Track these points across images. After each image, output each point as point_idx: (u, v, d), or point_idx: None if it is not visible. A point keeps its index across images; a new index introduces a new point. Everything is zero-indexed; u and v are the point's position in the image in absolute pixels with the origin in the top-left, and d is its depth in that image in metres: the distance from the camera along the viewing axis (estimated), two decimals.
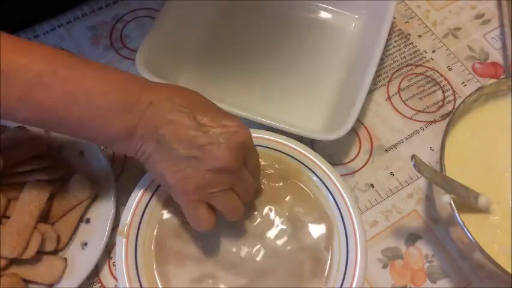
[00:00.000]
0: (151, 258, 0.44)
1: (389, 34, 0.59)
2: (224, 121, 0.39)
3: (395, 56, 0.59)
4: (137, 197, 0.44)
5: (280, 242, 0.45)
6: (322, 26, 0.60)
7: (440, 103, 0.56)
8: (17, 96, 0.36)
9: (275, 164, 0.47)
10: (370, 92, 0.57)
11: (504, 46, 0.60)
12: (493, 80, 0.58)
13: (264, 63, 0.57)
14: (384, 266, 0.48)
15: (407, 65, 0.59)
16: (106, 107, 0.37)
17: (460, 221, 0.41)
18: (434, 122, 0.55)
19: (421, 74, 0.58)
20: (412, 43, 0.60)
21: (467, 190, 0.43)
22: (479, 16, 0.62)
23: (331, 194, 0.45)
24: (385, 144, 0.54)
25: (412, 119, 0.55)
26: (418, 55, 0.59)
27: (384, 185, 0.52)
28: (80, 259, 0.45)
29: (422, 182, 0.52)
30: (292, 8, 0.60)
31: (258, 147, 0.47)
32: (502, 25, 0.61)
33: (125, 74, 0.40)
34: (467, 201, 0.43)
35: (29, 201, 0.44)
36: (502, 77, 0.58)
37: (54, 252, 0.45)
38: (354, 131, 0.54)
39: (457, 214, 0.41)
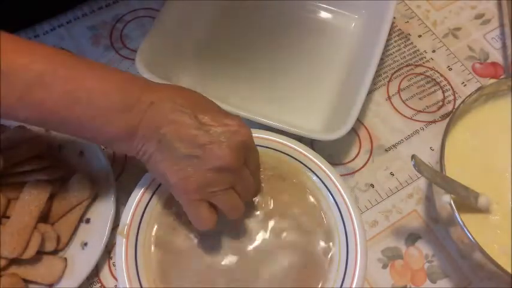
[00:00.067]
0: (152, 258, 0.44)
1: (390, 34, 0.59)
2: (225, 120, 0.39)
3: (395, 56, 0.59)
4: (137, 197, 0.44)
5: (279, 242, 0.44)
6: (322, 26, 0.60)
7: (440, 103, 0.56)
8: (17, 96, 0.36)
9: (275, 164, 0.47)
10: (370, 92, 0.57)
11: (504, 46, 0.60)
12: (493, 80, 0.58)
13: (264, 63, 0.57)
14: (384, 266, 0.48)
15: (407, 65, 0.59)
16: (107, 107, 0.37)
17: (460, 221, 0.41)
18: (434, 122, 0.55)
19: (421, 74, 0.58)
20: (412, 43, 0.60)
21: (467, 190, 0.43)
22: (479, 16, 0.62)
23: (331, 194, 0.45)
24: (385, 144, 0.54)
25: (412, 119, 0.55)
26: (418, 55, 0.59)
27: (384, 185, 0.52)
28: (80, 259, 0.45)
29: (422, 182, 0.52)
30: (292, 8, 0.60)
31: (258, 147, 0.47)
32: (502, 25, 0.61)
33: (126, 74, 0.40)
34: (467, 201, 0.43)
35: (29, 201, 0.44)
36: (502, 77, 0.58)
37: (54, 252, 0.45)
38: (354, 131, 0.54)
39: (457, 214, 0.41)
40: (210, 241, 0.44)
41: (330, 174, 0.45)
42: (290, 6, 0.60)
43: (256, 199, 0.46)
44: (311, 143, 0.52)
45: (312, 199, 0.46)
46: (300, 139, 0.48)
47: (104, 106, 0.37)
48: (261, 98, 0.55)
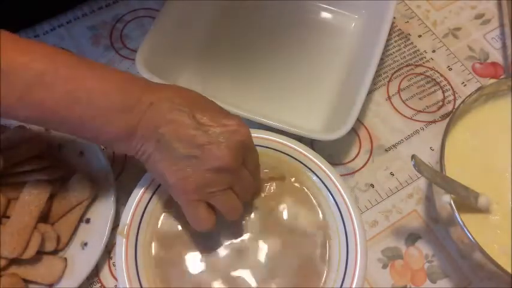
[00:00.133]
0: (152, 258, 0.44)
1: (390, 34, 0.59)
2: (224, 120, 0.39)
3: (395, 56, 0.59)
4: (137, 197, 0.44)
5: (279, 242, 0.44)
6: (322, 26, 0.60)
7: (440, 103, 0.56)
8: (18, 96, 0.36)
9: (275, 164, 0.47)
10: (370, 92, 0.57)
11: (504, 46, 0.60)
12: (493, 80, 0.58)
13: (264, 63, 0.57)
14: (384, 266, 0.48)
15: (407, 65, 0.59)
16: (107, 107, 0.37)
17: (460, 221, 0.41)
18: (434, 122, 0.55)
19: (421, 74, 0.58)
20: (412, 43, 0.60)
21: (467, 190, 0.43)
22: (479, 16, 0.62)
23: (331, 194, 0.45)
24: (385, 144, 0.54)
25: (412, 119, 0.55)
26: (418, 55, 0.59)
27: (384, 185, 0.52)
28: (80, 259, 0.45)
29: (422, 182, 0.52)
30: (292, 8, 0.60)
31: (258, 147, 0.47)
32: (502, 25, 0.61)
33: (126, 74, 0.40)
34: (467, 201, 0.43)
35: (29, 201, 0.44)
36: (502, 77, 0.58)
37: (54, 252, 0.45)
38: (354, 131, 0.54)
39: (457, 214, 0.41)
40: (209, 241, 0.44)
41: (330, 174, 0.45)
42: (290, 6, 0.60)
43: (256, 200, 0.46)
44: (311, 143, 0.52)
45: (311, 199, 0.46)
46: (300, 139, 0.48)
47: (104, 106, 0.37)
48: (261, 98, 0.55)
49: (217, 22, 0.59)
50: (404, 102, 0.56)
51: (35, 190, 0.45)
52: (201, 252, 0.44)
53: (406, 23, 0.62)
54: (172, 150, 0.38)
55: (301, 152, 0.47)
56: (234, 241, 0.44)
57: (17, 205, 0.44)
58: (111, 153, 0.52)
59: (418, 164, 0.40)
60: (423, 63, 0.59)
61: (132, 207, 0.44)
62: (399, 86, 0.57)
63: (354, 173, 0.52)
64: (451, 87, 0.57)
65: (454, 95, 0.57)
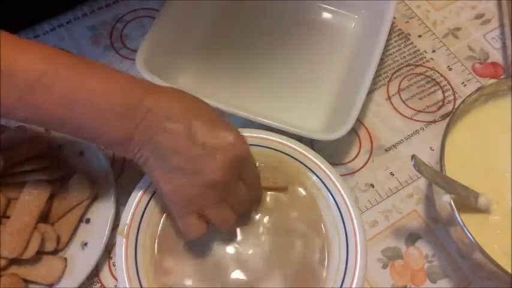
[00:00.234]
0: (151, 258, 0.44)
1: (390, 34, 0.59)
2: (222, 133, 0.38)
3: (395, 56, 0.59)
4: (137, 197, 0.44)
5: (278, 242, 0.45)
6: (322, 26, 0.60)
7: (440, 103, 0.56)
8: (17, 97, 0.36)
9: (275, 164, 0.47)
10: (370, 92, 0.57)
11: (504, 46, 0.60)
12: (493, 80, 0.58)
13: (263, 63, 0.57)
14: (384, 266, 0.48)
15: (407, 65, 0.59)
16: (106, 110, 0.37)
17: (460, 221, 0.41)
18: (434, 122, 0.55)
19: (421, 74, 0.58)
20: (412, 43, 0.60)
21: (467, 190, 0.43)
22: (479, 16, 0.62)
23: (331, 194, 0.45)
24: (385, 144, 0.54)
25: (412, 119, 0.55)
26: (418, 55, 0.59)
27: (384, 185, 0.52)
28: (80, 259, 0.45)
29: (422, 182, 0.52)
30: (292, 8, 0.60)
31: (258, 147, 0.47)
32: (502, 25, 0.61)
33: (126, 76, 0.39)
34: (467, 201, 0.43)
35: (29, 201, 0.44)
36: (502, 77, 0.58)
37: (54, 252, 0.45)
38: (354, 131, 0.54)
39: (457, 214, 0.41)
40: (209, 242, 0.44)
41: (330, 174, 0.45)
42: (290, 6, 0.60)
43: (256, 214, 0.46)
44: (311, 143, 0.52)
45: (311, 199, 0.46)
46: (300, 139, 0.48)
47: (104, 109, 0.37)
48: (261, 98, 0.55)
49: (217, 22, 0.59)
50: (404, 102, 0.56)
51: (35, 190, 0.45)
52: (201, 253, 0.44)
53: (406, 23, 0.62)
54: (167, 160, 0.38)
55: (301, 152, 0.47)
56: (234, 242, 0.44)
57: (17, 205, 0.44)
58: (111, 153, 0.52)
59: (418, 164, 0.40)
60: (423, 63, 0.59)
61: (132, 207, 0.44)
62: (399, 86, 0.57)
63: (354, 173, 0.52)
64: (451, 87, 0.57)
65: (454, 95, 0.57)
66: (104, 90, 0.37)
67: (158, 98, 0.39)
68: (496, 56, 0.59)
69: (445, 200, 0.42)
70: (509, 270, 0.40)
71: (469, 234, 0.40)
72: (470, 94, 0.46)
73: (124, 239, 0.43)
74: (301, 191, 0.47)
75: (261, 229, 0.45)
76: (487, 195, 0.43)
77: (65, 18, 0.61)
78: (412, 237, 0.49)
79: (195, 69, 0.56)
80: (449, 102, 0.56)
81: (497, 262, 0.40)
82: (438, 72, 0.58)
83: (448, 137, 0.45)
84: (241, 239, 0.45)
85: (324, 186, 0.45)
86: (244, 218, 0.45)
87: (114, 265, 0.47)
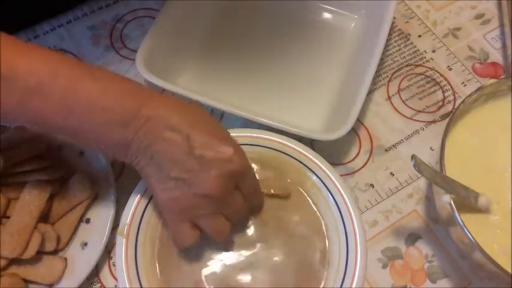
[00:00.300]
0: (151, 258, 0.44)
1: (390, 34, 0.59)
2: (219, 147, 0.38)
3: (395, 56, 0.59)
4: (137, 197, 0.44)
5: (278, 242, 0.44)
6: (322, 26, 0.60)
7: (440, 103, 0.56)
8: (16, 102, 0.36)
9: (275, 164, 0.47)
10: (370, 92, 0.57)
11: (504, 46, 0.60)
12: (493, 80, 0.58)
13: (263, 63, 0.57)
14: (384, 266, 0.48)
15: (407, 65, 0.59)
16: (104, 120, 0.37)
17: (460, 221, 0.41)
18: (434, 122, 0.55)
19: (421, 74, 0.58)
20: (412, 43, 0.60)
21: (467, 190, 0.43)
22: (479, 16, 0.62)
23: (331, 194, 0.45)
24: (385, 144, 0.54)
25: (412, 119, 0.55)
26: (418, 55, 0.59)
27: (384, 185, 0.52)
28: (80, 259, 0.45)
29: (422, 182, 0.52)
30: (292, 8, 0.60)
31: (258, 147, 0.47)
32: (502, 25, 0.61)
33: (127, 84, 0.39)
34: (467, 201, 0.43)
35: (29, 201, 0.44)
36: (502, 77, 0.58)
37: (54, 252, 0.45)
38: (354, 131, 0.54)
39: (457, 214, 0.41)
40: (209, 243, 0.44)
41: (330, 174, 0.45)
42: (290, 6, 0.60)
43: (257, 219, 0.46)
44: (311, 143, 0.52)
45: (311, 199, 0.46)
46: (300, 139, 0.48)
47: (102, 120, 0.37)
48: (261, 97, 0.55)
49: (217, 22, 0.59)
50: (404, 102, 0.56)
51: (35, 190, 0.45)
52: (201, 253, 0.44)
53: (406, 23, 0.62)
54: (163, 169, 0.38)
55: (301, 152, 0.47)
56: (234, 243, 0.44)
57: (17, 205, 0.44)
58: (111, 153, 0.52)
59: (418, 164, 0.40)
60: (423, 63, 0.59)
61: (132, 207, 0.44)
62: (399, 86, 0.57)
63: (353, 173, 0.52)
64: (451, 87, 0.57)
65: (454, 95, 0.57)
66: (103, 104, 0.37)
67: (157, 106, 0.38)
68: (496, 56, 0.59)
69: (445, 200, 0.42)
70: (509, 270, 0.40)
71: (469, 234, 0.40)
72: (470, 94, 0.46)
73: (124, 239, 0.43)
74: (301, 191, 0.47)
75: (260, 229, 0.45)
76: (487, 195, 0.43)
77: (65, 18, 0.61)
78: (412, 237, 0.49)
79: (195, 69, 0.56)
80: (449, 102, 0.56)
81: (497, 262, 0.40)
82: (438, 72, 0.58)
83: (448, 137, 0.45)
84: (240, 239, 0.45)
85: (324, 186, 0.45)
86: (243, 221, 0.45)
87: (114, 265, 0.47)
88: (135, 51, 0.51)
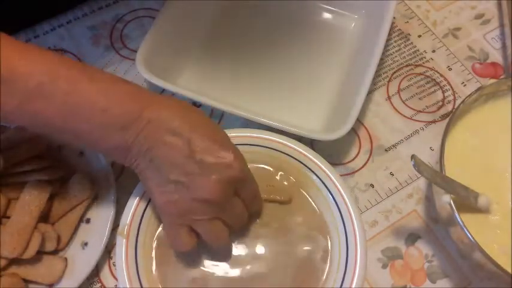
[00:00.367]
0: (151, 258, 0.44)
1: (389, 34, 0.59)
2: (220, 152, 0.38)
3: (395, 56, 0.59)
4: (137, 197, 0.44)
5: (278, 242, 0.45)
6: (322, 26, 0.60)
7: (440, 103, 0.56)
8: (16, 104, 0.35)
9: (275, 164, 0.47)
10: (370, 92, 0.57)
11: (504, 46, 0.60)
12: (493, 80, 0.58)
13: (263, 63, 0.57)
14: (384, 266, 0.48)
15: (407, 65, 0.59)
16: (104, 123, 0.37)
17: (460, 221, 0.41)
18: (434, 122, 0.55)
19: (421, 74, 0.58)
20: (412, 43, 0.60)
21: (467, 190, 0.43)
22: (479, 16, 0.62)
23: (331, 194, 0.45)
24: (385, 144, 0.54)
25: (412, 119, 0.55)
26: (418, 55, 0.59)
27: (384, 185, 0.52)
28: (80, 259, 0.45)
29: (422, 182, 0.52)
30: (292, 8, 0.60)
31: (258, 147, 0.47)
32: (502, 25, 0.61)
33: (128, 86, 0.39)
34: (467, 201, 0.43)
35: (29, 201, 0.44)
36: (501, 77, 0.58)
37: (55, 252, 0.45)
38: (353, 131, 0.54)
39: (457, 214, 0.41)
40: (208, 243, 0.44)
41: (330, 174, 0.45)
42: (290, 6, 0.60)
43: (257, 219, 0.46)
44: (311, 143, 0.52)
45: (311, 199, 0.46)
46: (300, 139, 0.48)
47: (102, 122, 0.37)
48: (261, 97, 0.55)
49: (217, 22, 0.59)
50: (404, 102, 0.56)
51: (35, 190, 0.45)
52: (200, 253, 0.44)
53: (406, 23, 0.62)
54: (163, 172, 0.38)
55: (301, 152, 0.47)
56: (233, 243, 0.44)
57: (17, 205, 0.44)
58: None
59: (418, 164, 0.40)
60: (423, 63, 0.59)
61: (132, 207, 0.44)
62: (399, 86, 0.57)
63: (353, 173, 0.52)
64: (451, 87, 0.57)
65: (454, 95, 0.57)
66: (103, 106, 0.37)
67: (158, 109, 0.38)
68: (496, 56, 0.59)
69: (445, 200, 0.42)
70: (509, 270, 0.40)
71: (468, 234, 0.40)
72: (470, 94, 0.46)
73: (124, 239, 0.43)
74: (301, 191, 0.47)
75: (260, 229, 0.45)
76: (487, 195, 0.43)
77: (65, 18, 0.61)
78: (412, 237, 0.49)
79: (195, 69, 0.56)
80: (449, 102, 0.56)
81: (497, 262, 0.40)
82: (438, 72, 0.58)
83: (447, 137, 0.45)
84: (241, 239, 0.45)
85: (324, 186, 0.45)
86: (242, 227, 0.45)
87: (114, 265, 0.47)
88: (135, 51, 0.51)
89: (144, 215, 0.44)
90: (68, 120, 0.37)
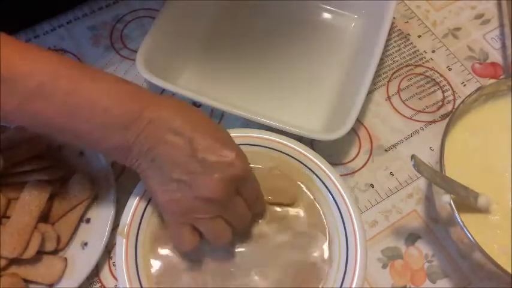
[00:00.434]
0: (151, 258, 0.43)
1: (389, 34, 0.59)
2: (222, 151, 0.38)
3: (395, 56, 0.59)
4: (137, 197, 0.44)
5: (278, 242, 0.45)
6: (322, 26, 0.60)
7: (440, 103, 0.56)
8: (16, 104, 0.35)
9: (275, 164, 0.47)
10: (370, 92, 0.57)
11: (504, 46, 0.60)
12: (492, 80, 0.58)
13: (263, 63, 0.57)
14: (384, 266, 0.48)
15: (407, 65, 0.59)
16: (105, 122, 0.37)
17: (460, 221, 0.41)
18: (434, 122, 0.55)
19: (420, 74, 0.58)
20: (411, 43, 0.60)
21: (467, 190, 0.43)
22: (479, 16, 0.62)
23: (331, 194, 0.45)
24: (385, 144, 0.54)
25: (412, 119, 0.55)
26: (417, 55, 0.59)
27: (384, 185, 0.52)
28: (80, 259, 0.45)
29: (422, 182, 0.52)
30: (292, 8, 0.60)
31: (258, 147, 0.47)
32: (501, 25, 0.61)
33: (129, 86, 0.39)
34: (467, 201, 0.43)
35: (29, 201, 0.44)
36: (501, 77, 0.58)
37: (54, 252, 0.45)
38: (353, 131, 0.54)
39: (456, 214, 0.41)
40: (208, 243, 0.44)
41: (329, 174, 0.45)
42: (290, 6, 0.60)
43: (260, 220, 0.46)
44: (311, 143, 0.52)
45: (311, 199, 0.46)
46: (300, 139, 0.48)
47: (103, 122, 0.37)
48: (261, 98, 0.55)
49: (217, 22, 0.59)
50: (404, 102, 0.56)
51: (35, 190, 0.45)
52: (200, 253, 0.44)
53: (406, 23, 0.62)
54: (165, 171, 0.38)
55: (301, 152, 0.47)
56: (234, 242, 0.44)
57: (17, 205, 0.44)
58: None
59: (417, 164, 0.40)
60: (423, 63, 0.59)
61: (132, 207, 0.44)
62: (399, 86, 0.57)
63: (353, 173, 0.52)
64: (451, 87, 0.57)
65: (454, 95, 0.57)
66: (104, 106, 0.37)
67: (159, 109, 0.38)
68: (496, 56, 0.59)
69: (444, 200, 0.42)
70: (509, 270, 0.40)
71: (468, 234, 0.40)
72: (470, 94, 0.46)
73: (124, 239, 0.43)
74: (301, 191, 0.47)
75: (260, 228, 0.45)
76: (487, 195, 0.44)
77: (65, 18, 0.61)
78: (412, 237, 0.49)
79: (195, 69, 0.56)
80: (448, 102, 0.56)
81: (497, 262, 0.40)
82: (438, 72, 0.58)
83: (447, 137, 0.45)
84: (241, 239, 0.44)
85: (324, 186, 0.45)
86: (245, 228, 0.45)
87: (114, 265, 0.47)
88: (135, 51, 0.51)
89: (144, 215, 0.44)
90: (68, 120, 0.37)
